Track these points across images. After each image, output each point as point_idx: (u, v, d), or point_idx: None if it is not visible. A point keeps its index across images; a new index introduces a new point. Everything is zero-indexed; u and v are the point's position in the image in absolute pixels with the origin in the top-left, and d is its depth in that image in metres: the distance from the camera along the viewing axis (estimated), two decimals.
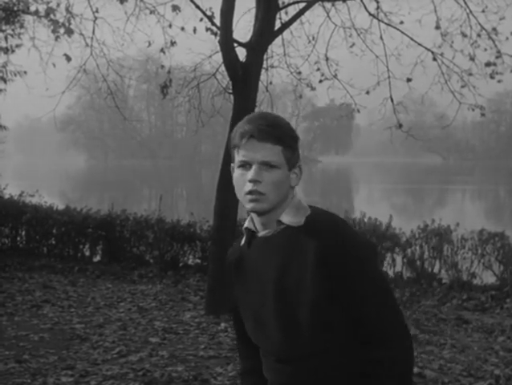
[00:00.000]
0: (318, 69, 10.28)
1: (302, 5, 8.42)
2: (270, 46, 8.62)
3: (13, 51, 11.85)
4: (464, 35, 9.83)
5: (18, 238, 11.41)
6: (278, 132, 1.87)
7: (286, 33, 9.31)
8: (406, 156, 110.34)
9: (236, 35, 7.45)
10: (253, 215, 1.95)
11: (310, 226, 1.88)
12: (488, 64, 9.67)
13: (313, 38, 10.29)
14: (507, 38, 9.79)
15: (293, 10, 8.81)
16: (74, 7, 10.77)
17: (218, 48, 7.73)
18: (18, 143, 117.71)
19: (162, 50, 9.49)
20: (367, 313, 1.84)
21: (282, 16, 8.82)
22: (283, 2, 8.73)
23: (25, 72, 12.17)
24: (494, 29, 9.71)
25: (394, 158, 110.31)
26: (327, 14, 10.10)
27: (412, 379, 1.88)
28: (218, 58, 8.28)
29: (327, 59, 10.23)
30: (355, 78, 10.63)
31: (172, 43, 9.53)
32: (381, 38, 10.06)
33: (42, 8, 10.29)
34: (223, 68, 8.03)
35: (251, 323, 2.01)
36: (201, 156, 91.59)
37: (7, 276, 9.45)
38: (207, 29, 8.79)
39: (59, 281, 9.32)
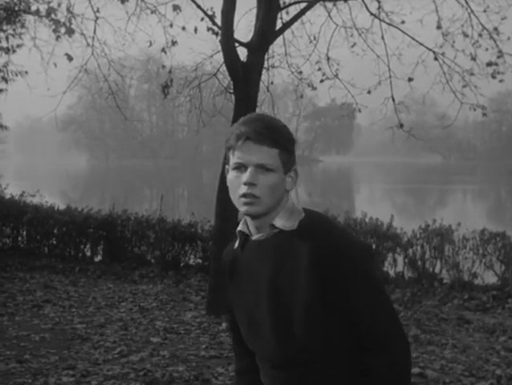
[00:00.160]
0: (320, 69, 10.29)
1: (303, 5, 8.42)
2: (271, 46, 8.62)
3: (14, 51, 11.86)
4: (465, 35, 9.83)
5: (19, 238, 11.41)
6: (275, 135, 1.84)
7: (287, 33, 9.34)
8: (407, 155, 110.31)
9: (237, 35, 7.46)
10: (247, 218, 1.94)
11: (304, 230, 1.85)
12: (489, 64, 9.67)
13: (314, 37, 10.31)
14: (509, 38, 9.79)
15: (294, 10, 8.84)
16: (75, 7, 10.76)
17: (219, 48, 7.74)
18: (19, 143, 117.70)
19: (163, 50, 9.50)
20: (361, 315, 1.81)
21: (283, 16, 8.82)
22: (284, 2, 8.73)
23: (26, 72, 12.17)
24: (496, 29, 9.71)
25: (395, 158, 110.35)
26: (329, 13, 10.11)
27: (409, 383, 1.84)
28: (219, 57, 8.28)
29: (328, 59, 10.24)
30: (356, 77, 10.63)
31: (174, 43, 9.54)
32: (382, 37, 10.07)
33: (43, 8, 10.32)
34: (224, 68, 8.03)
35: (246, 326, 1.99)
36: (202, 156, 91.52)
37: (8, 276, 9.45)
38: (208, 29, 8.80)
39: (60, 281, 9.32)
